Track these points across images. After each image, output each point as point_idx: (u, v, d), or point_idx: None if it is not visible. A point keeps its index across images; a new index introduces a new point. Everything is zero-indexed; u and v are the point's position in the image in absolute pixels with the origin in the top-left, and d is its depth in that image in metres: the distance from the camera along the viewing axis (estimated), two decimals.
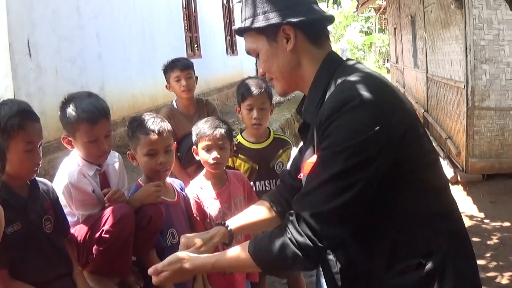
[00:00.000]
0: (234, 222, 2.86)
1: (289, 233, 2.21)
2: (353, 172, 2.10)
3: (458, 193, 9.99)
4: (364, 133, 2.09)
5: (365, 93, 2.13)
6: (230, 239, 2.83)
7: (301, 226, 2.18)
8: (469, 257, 2.42)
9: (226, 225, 2.82)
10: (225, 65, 23.07)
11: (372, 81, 2.24)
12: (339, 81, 2.29)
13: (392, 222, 2.29)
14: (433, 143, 12.61)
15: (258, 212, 2.91)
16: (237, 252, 2.40)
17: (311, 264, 2.25)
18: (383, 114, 2.13)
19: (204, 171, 4.26)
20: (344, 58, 2.54)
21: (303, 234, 2.16)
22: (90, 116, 3.47)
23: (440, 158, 2.44)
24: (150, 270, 2.52)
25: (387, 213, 2.28)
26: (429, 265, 2.25)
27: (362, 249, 2.38)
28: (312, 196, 2.20)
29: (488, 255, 7.08)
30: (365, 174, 2.10)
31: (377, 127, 2.09)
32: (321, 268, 2.73)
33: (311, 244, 2.15)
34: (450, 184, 8.88)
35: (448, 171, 11.01)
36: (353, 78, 2.25)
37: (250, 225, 2.91)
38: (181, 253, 2.54)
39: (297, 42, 2.41)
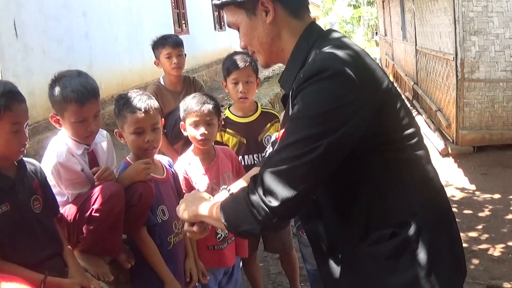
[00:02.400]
0: (236, 187, 2.85)
1: (246, 191, 2.24)
2: (315, 139, 2.10)
3: (449, 165, 10.04)
4: (332, 103, 2.10)
5: (339, 65, 2.14)
6: None
7: (256, 184, 2.19)
8: (448, 227, 2.46)
9: (229, 190, 2.82)
10: (213, 41, 23.07)
11: (349, 54, 2.23)
12: (317, 52, 2.30)
13: (367, 192, 2.32)
14: (423, 116, 12.70)
15: None
16: (216, 204, 2.45)
17: (260, 225, 2.20)
18: (355, 87, 2.13)
19: (192, 147, 4.25)
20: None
21: (255, 192, 2.18)
22: (78, 97, 3.43)
23: (421, 130, 2.46)
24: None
25: (363, 183, 2.32)
26: (402, 235, 2.29)
27: (340, 218, 2.42)
28: (272, 158, 2.20)
29: (480, 227, 7.11)
30: (326, 142, 2.09)
31: (346, 99, 2.11)
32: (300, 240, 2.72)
33: (261, 203, 2.15)
34: (441, 156, 8.93)
35: (439, 143, 11.05)
36: (330, 49, 2.26)
37: None
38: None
39: (276, 14, 2.41)
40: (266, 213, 2.15)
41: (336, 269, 2.49)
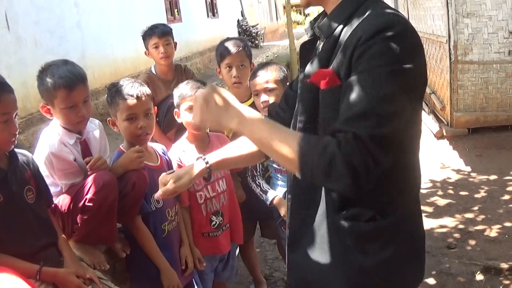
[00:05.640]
0: (213, 157, 2.74)
1: (343, 148, 2.01)
2: (402, 95, 2.05)
3: (444, 147, 10.05)
4: (411, 60, 2.08)
5: (406, 24, 2.15)
6: (208, 174, 2.72)
7: (359, 145, 1.99)
8: (421, 220, 2.47)
9: (204, 159, 2.72)
10: (206, 28, 23.10)
11: (405, 18, 2.23)
12: (371, 9, 2.23)
13: None
14: None
15: (240, 146, 2.80)
16: (288, 133, 2.22)
17: (352, 187, 2.03)
18: (420, 47, 2.17)
19: (186, 134, 4.25)
20: None
21: (359, 153, 1.99)
22: (67, 82, 3.45)
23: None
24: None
25: None
26: (382, 223, 2.26)
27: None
28: (367, 117, 2.02)
29: (476, 208, 7.13)
30: (409, 100, 2.09)
31: (420, 57, 2.15)
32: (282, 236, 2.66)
33: (366, 167, 2.00)
34: (436, 139, 8.91)
35: (433, 125, 11.05)
36: (391, 10, 2.23)
37: (231, 160, 2.82)
38: None
39: None
40: (366, 178, 2.02)
41: (306, 233, 2.45)
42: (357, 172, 2.00)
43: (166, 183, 2.68)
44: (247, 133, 2.23)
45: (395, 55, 2.05)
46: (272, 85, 4.25)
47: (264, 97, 4.23)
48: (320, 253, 2.40)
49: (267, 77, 4.27)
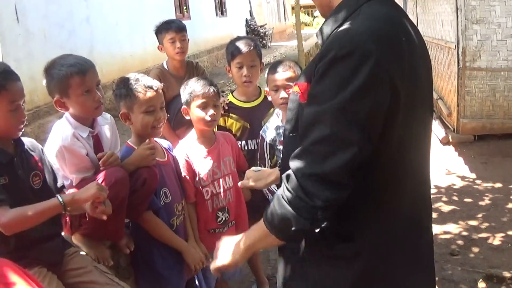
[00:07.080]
0: None
1: (281, 192, 2.05)
2: (347, 131, 1.93)
3: (449, 153, 10.02)
4: (358, 93, 1.92)
5: (370, 47, 1.95)
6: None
7: (291, 184, 2.01)
8: (400, 260, 2.28)
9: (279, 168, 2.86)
10: (215, 27, 23.14)
11: (389, 35, 2.06)
12: (352, 20, 2.08)
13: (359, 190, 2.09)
14: None
15: None
16: (259, 224, 2.24)
17: (306, 223, 2.00)
18: (377, 78, 1.95)
19: (192, 132, 4.28)
20: None
21: (291, 190, 2.00)
22: (79, 68, 3.51)
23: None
24: None
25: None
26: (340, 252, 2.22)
27: None
28: (306, 155, 2.00)
29: (480, 216, 7.10)
30: (359, 135, 1.94)
31: (372, 91, 1.93)
32: None
33: (301, 201, 1.97)
34: (442, 145, 8.87)
35: (440, 131, 11.03)
36: (368, 22, 2.05)
37: None
38: None
39: None
40: (308, 210, 1.99)
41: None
42: (294, 205, 2.01)
43: (250, 177, 3.09)
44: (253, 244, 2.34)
45: (345, 85, 1.92)
46: (292, 83, 4.23)
47: (283, 94, 4.19)
48: (285, 264, 2.52)
49: (289, 74, 4.24)
